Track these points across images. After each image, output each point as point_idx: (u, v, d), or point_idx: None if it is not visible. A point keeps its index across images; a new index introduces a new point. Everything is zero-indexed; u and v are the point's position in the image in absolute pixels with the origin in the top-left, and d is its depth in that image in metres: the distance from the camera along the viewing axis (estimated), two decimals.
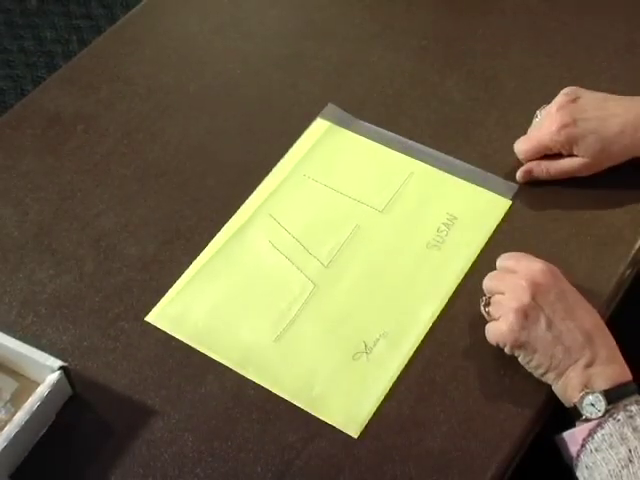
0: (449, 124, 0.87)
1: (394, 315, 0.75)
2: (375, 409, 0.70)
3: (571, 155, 0.82)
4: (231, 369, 0.72)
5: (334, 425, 0.69)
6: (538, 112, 0.86)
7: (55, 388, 0.68)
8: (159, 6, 1.04)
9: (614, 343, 0.70)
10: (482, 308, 0.73)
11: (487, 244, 0.80)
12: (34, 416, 0.67)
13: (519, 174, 0.84)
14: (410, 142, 0.88)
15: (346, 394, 0.71)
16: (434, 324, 0.75)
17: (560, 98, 0.83)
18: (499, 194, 0.83)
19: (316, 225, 0.82)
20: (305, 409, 0.70)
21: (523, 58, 0.96)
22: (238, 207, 0.83)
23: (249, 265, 0.79)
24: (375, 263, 0.79)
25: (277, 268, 0.79)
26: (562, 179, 0.83)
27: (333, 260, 0.79)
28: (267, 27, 1.01)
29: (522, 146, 0.84)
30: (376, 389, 0.71)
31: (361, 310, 0.76)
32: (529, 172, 0.84)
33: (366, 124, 0.89)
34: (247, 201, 0.84)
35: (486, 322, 0.72)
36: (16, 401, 0.70)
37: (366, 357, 0.73)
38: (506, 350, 0.71)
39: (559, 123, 0.81)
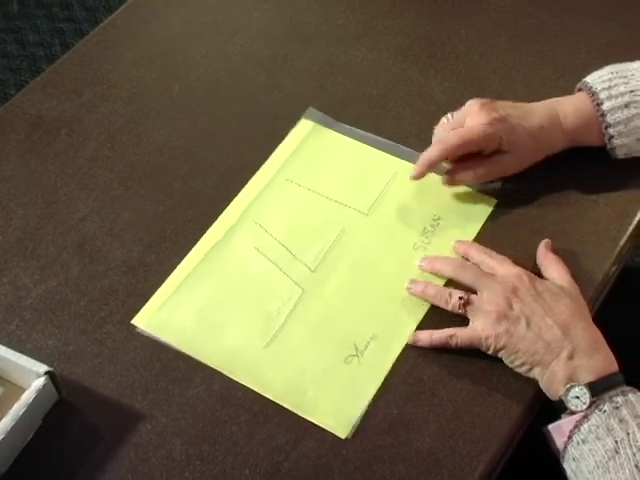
0: (433, 124, 0.86)
1: (383, 317, 0.75)
2: (365, 411, 0.70)
3: (497, 152, 0.80)
4: (218, 371, 0.72)
5: (323, 427, 0.69)
6: (447, 117, 0.84)
7: (41, 393, 0.68)
8: (142, 9, 1.04)
9: (598, 334, 0.70)
10: (458, 304, 0.72)
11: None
12: (20, 422, 0.66)
13: (445, 178, 0.81)
14: (394, 143, 0.87)
15: (337, 398, 0.71)
16: (422, 324, 0.75)
17: (476, 100, 0.82)
18: (484, 193, 0.83)
19: (301, 230, 0.81)
20: (296, 412, 0.70)
21: (506, 57, 0.96)
22: (224, 209, 0.83)
23: (236, 271, 0.79)
24: (362, 266, 0.79)
25: (264, 274, 0.78)
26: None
27: (320, 264, 0.79)
28: (250, 28, 1.00)
29: (451, 140, 0.79)
30: (367, 391, 0.71)
31: (350, 314, 0.76)
32: (454, 175, 0.81)
33: (347, 126, 0.89)
34: (231, 205, 0.83)
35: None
36: (1, 407, 0.69)
37: (357, 360, 0.73)
38: (489, 352, 0.71)
39: (489, 117, 0.79)
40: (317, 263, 0.79)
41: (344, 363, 0.73)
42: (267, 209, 0.83)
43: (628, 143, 0.81)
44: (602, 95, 0.80)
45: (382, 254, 0.79)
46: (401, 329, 0.74)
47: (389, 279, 0.78)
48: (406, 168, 0.85)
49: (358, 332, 0.74)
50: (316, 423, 0.69)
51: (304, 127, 0.89)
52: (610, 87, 0.81)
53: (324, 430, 0.69)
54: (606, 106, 0.80)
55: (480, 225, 0.81)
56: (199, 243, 0.81)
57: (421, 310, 0.75)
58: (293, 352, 0.73)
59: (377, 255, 0.79)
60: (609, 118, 0.80)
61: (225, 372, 0.72)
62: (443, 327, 0.73)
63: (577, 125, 0.81)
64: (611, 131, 0.80)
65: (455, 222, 0.81)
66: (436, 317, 0.75)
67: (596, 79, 0.82)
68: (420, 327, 0.74)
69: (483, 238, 0.80)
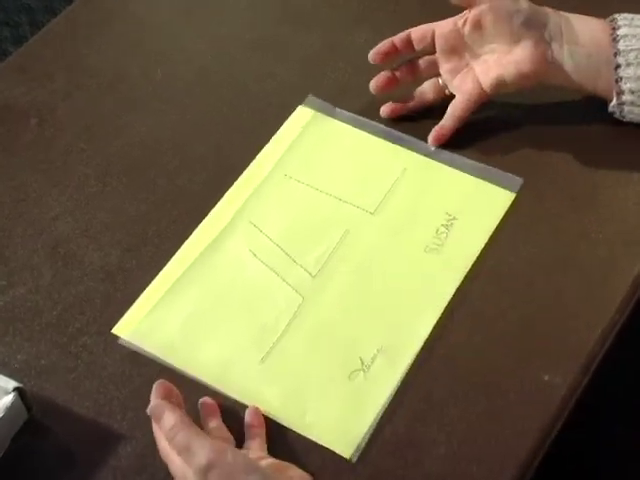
0: (444, 113, 0.83)
1: (392, 328, 0.72)
2: (370, 430, 0.67)
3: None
4: (205, 386, 0.69)
5: (325, 446, 0.66)
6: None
7: (9, 412, 0.65)
8: None
9: None
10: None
11: (489, 244, 0.77)
12: None
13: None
14: (402, 134, 0.85)
15: (341, 416, 0.68)
16: (432, 335, 0.72)
17: None
18: (502, 187, 0.80)
19: (301, 231, 0.79)
20: (296, 431, 0.67)
21: None
22: (214, 208, 0.80)
23: (228, 277, 0.76)
24: (368, 271, 0.76)
25: (259, 280, 0.75)
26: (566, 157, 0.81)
27: (321, 269, 0.76)
28: (241, 9, 0.98)
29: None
30: (373, 409, 0.68)
31: (355, 324, 0.73)
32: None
33: (352, 115, 0.86)
34: (221, 203, 0.81)
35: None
36: None
37: (363, 375, 0.70)
38: None
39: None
40: (318, 268, 0.76)
41: (348, 379, 0.70)
42: (263, 207, 0.80)
43: (633, 76, 0.77)
44: (621, 21, 0.78)
45: (391, 258, 0.77)
46: (411, 340, 0.71)
47: (398, 285, 0.75)
48: (417, 161, 0.82)
49: (364, 344, 0.71)
50: (317, 442, 0.66)
51: (303, 115, 0.86)
52: (633, 18, 0.79)
53: (326, 451, 0.66)
54: (622, 31, 0.77)
55: (497, 222, 0.78)
56: (185, 246, 0.78)
57: (432, 319, 0.72)
58: (292, 366, 0.71)
59: (384, 258, 0.77)
60: (621, 44, 0.77)
61: (216, 388, 0.69)
62: (457, 336, 0.71)
63: (583, 38, 0.78)
64: (620, 59, 0.77)
65: (471, 221, 0.78)
66: (450, 327, 0.72)
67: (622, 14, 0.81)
68: (432, 337, 0.71)
69: (500, 236, 0.77)
